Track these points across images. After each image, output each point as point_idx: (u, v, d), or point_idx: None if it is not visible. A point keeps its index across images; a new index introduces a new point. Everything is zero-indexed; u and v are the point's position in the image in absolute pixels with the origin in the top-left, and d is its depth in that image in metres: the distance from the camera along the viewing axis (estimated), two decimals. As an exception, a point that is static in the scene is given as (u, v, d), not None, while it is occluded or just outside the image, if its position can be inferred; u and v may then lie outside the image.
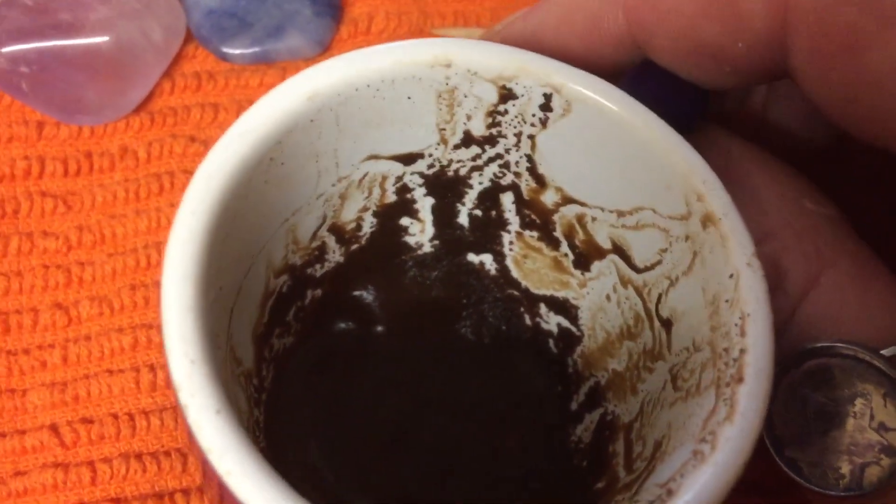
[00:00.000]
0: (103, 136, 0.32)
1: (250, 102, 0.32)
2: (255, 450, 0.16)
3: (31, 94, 0.30)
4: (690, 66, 0.21)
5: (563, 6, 0.23)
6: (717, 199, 0.19)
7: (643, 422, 0.22)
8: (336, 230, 0.24)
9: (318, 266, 0.24)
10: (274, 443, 0.23)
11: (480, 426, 0.26)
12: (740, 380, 0.18)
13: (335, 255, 0.24)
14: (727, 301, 0.19)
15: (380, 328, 0.26)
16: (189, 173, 0.30)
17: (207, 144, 0.31)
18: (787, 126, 0.24)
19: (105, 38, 0.29)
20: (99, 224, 0.31)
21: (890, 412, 0.21)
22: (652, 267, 0.22)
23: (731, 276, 0.19)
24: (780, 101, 0.25)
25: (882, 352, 0.21)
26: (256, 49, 0.31)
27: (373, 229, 0.24)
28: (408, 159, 0.23)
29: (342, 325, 0.26)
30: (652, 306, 0.22)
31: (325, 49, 0.33)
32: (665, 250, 0.21)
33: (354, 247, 0.25)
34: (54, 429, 0.28)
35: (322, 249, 0.24)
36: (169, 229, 0.30)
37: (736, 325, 0.18)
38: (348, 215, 0.24)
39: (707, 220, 0.20)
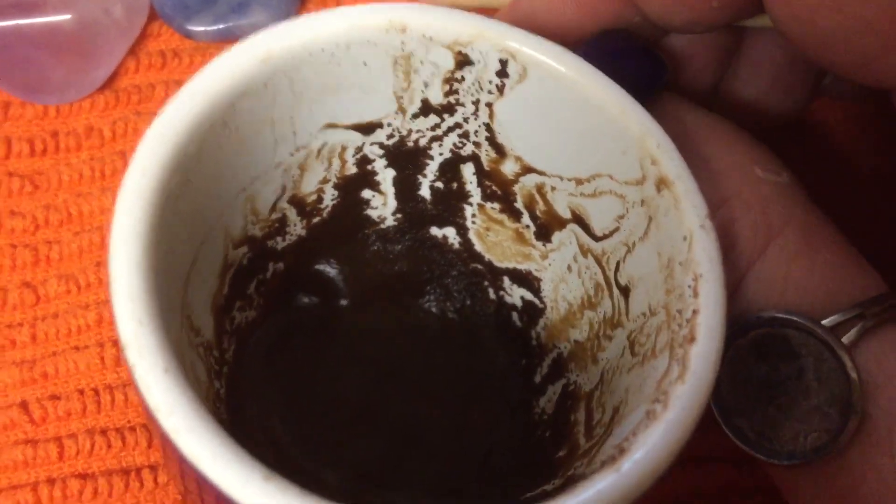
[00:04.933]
0: (69, 116, 0.31)
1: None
2: (204, 409, 0.15)
3: (-5, 74, 0.30)
4: (678, 7, 0.21)
5: None
6: (671, 161, 0.19)
7: (603, 389, 0.22)
8: (296, 202, 0.24)
9: (279, 239, 0.24)
10: (236, 416, 0.23)
11: (445, 401, 0.26)
12: (692, 339, 0.18)
13: (296, 227, 0.24)
14: (681, 263, 0.19)
15: (343, 302, 0.26)
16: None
17: None
18: (750, 97, 0.24)
19: (66, 17, 0.29)
20: (66, 203, 0.31)
21: (831, 381, 0.21)
22: (610, 234, 0.22)
23: (685, 238, 0.19)
24: (744, 72, 0.25)
25: (823, 322, 0.21)
26: (220, 26, 0.31)
27: (334, 202, 0.24)
28: (366, 129, 0.23)
29: (305, 300, 0.26)
30: (611, 274, 0.22)
31: None
32: (622, 217, 0.21)
33: (316, 219, 0.25)
34: (24, 406, 0.28)
35: (283, 222, 0.24)
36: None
37: (689, 286, 0.19)
38: (308, 187, 0.24)
39: (661, 184, 0.20)
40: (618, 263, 0.22)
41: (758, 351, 0.21)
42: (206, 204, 0.20)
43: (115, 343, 0.29)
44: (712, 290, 0.18)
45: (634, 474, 0.16)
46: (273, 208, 0.23)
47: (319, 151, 0.23)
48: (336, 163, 0.23)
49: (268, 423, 0.24)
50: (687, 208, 0.19)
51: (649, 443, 0.17)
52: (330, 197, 0.24)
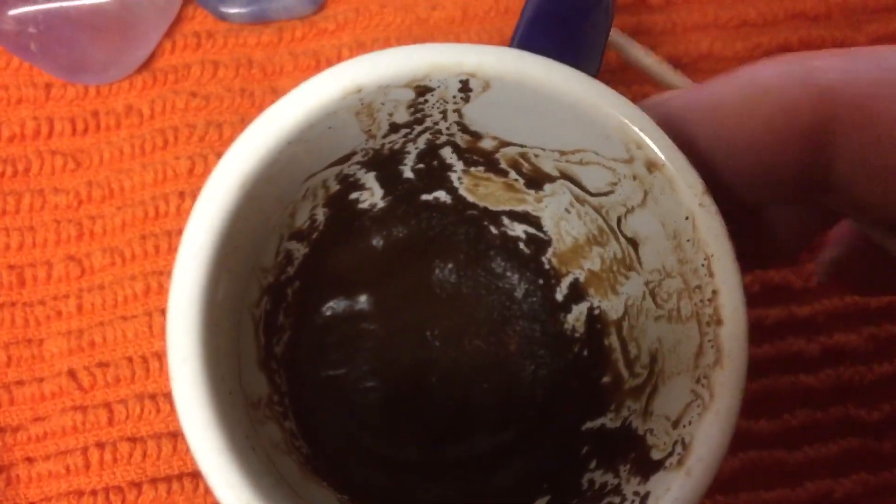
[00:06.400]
0: (108, 96, 0.33)
1: (248, 60, 0.33)
2: None
3: (39, 55, 0.31)
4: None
5: (748, 82, 0.19)
6: (657, 143, 0.20)
7: (631, 323, 0.24)
8: (294, 236, 0.24)
9: (289, 268, 0.25)
10: (313, 439, 0.25)
11: (482, 338, 0.28)
12: (720, 322, 0.19)
13: (300, 251, 0.25)
14: (689, 241, 0.20)
15: (364, 288, 0.27)
16: (191, 127, 0.32)
17: (208, 100, 0.32)
18: None
19: None
20: (107, 179, 0.32)
21: None
22: (605, 194, 0.22)
23: (687, 218, 0.20)
24: None
25: None
26: (253, 8, 0.32)
27: (327, 216, 0.25)
28: (342, 161, 0.22)
29: (329, 302, 0.27)
30: (614, 224, 0.23)
31: (318, 7, 0.33)
32: (615, 183, 0.22)
33: (314, 235, 0.25)
34: (72, 374, 0.30)
35: (288, 255, 0.24)
36: (174, 181, 0.32)
37: (703, 265, 0.20)
38: (301, 220, 0.24)
39: (651, 166, 0.20)
40: (619, 218, 0.23)
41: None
42: (231, 325, 0.21)
43: (163, 312, 0.30)
44: (726, 268, 0.19)
45: (701, 473, 0.19)
46: (276, 255, 0.24)
47: (304, 196, 0.23)
48: (321, 192, 0.23)
49: (340, 423, 0.26)
50: (682, 189, 0.20)
51: (704, 433, 0.19)
52: (322, 214, 0.24)
